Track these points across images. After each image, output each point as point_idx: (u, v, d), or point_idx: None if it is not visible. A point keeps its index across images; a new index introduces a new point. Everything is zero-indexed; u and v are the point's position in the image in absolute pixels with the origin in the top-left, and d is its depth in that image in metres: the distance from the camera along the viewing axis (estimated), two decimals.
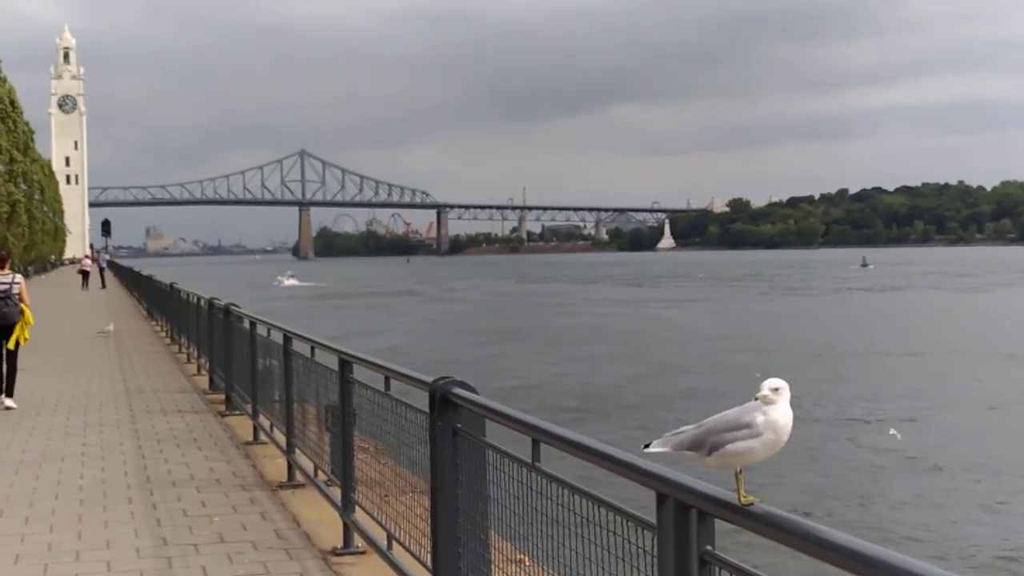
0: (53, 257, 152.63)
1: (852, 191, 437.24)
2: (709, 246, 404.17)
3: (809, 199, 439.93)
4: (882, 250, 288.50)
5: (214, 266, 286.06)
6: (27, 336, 17.63)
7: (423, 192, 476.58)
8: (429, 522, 6.39)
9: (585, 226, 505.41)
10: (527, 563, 5.29)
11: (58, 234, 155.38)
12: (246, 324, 14.63)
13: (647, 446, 3.64)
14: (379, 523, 7.86)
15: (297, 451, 11.15)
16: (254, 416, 13.88)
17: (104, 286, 72.40)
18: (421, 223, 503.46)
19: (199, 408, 17.23)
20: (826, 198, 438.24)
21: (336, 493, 9.09)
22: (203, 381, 20.07)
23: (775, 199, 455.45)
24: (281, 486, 11.22)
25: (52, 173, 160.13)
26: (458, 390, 6.05)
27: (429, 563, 6.44)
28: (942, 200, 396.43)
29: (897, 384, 36.55)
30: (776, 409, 3.38)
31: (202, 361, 21.37)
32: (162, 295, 33.86)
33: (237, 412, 15.91)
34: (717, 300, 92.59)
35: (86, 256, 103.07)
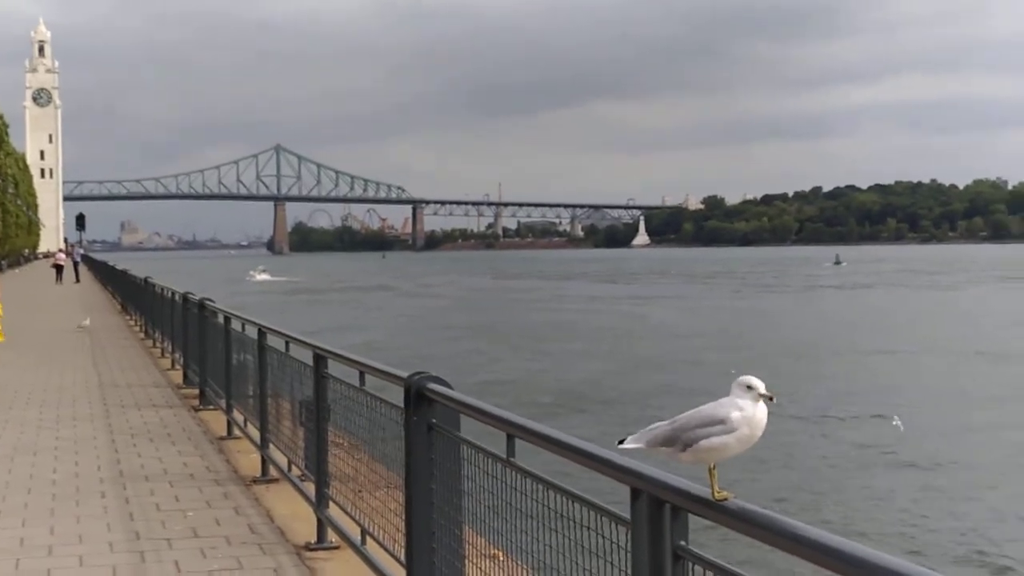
0: (27, 251, 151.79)
1: (826, 189, 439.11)
2: (683, 243, 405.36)
3: (783, 197, 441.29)
4: (855, 248, 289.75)
5: (189, 261, 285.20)
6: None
7: (399, 187, 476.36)
8: (403, 517, 6.39)
9: (561, 223, 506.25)
10: (501, 558, 5.29)
11: (32, 228, 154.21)
12: (220, 319, 14.59)
13: (621, 442, 3.66)
14: (353, 518, 7.86)
15: (271, 446, 11.13)
16: (228, 411, 13.85)
17: (78, 280, 72.02)
18: (397, 219, 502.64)
19: (173, 403, 17.17)
20: (800, 196, 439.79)
21: (310, 488, 9.08)
22: (177, 376, 20.00)
23: (749, 197, 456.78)
24: (255, 481, 11.19)
25: (26, 167, 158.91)
26: (433, 385, 6.05)
27: (403, 558, 6.44)
28: (915, 198, 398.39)
29: (868, 381, 36.75)
30: (751, 405, 3.40)
31: (176, 356, 21.28)
32: (136, 289, 33.71)
33: (211, 407, 15.86)
34: (690, 297, 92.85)
35: (60, 250, 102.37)
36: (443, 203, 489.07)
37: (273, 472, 11.08)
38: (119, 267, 50.30)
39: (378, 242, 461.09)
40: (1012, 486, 22.17)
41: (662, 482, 3.65)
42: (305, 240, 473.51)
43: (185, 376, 19.09)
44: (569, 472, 4.30)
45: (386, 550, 7.01)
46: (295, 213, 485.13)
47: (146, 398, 17.69)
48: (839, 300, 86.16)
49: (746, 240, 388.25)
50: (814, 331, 55.57)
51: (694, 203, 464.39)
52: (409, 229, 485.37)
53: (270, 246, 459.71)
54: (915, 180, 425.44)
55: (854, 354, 44.88)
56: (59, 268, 73.61)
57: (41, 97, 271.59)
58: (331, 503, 8.52)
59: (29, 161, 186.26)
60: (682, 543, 3.63)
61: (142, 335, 29.54)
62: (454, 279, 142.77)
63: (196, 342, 17.16)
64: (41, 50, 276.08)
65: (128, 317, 36.74)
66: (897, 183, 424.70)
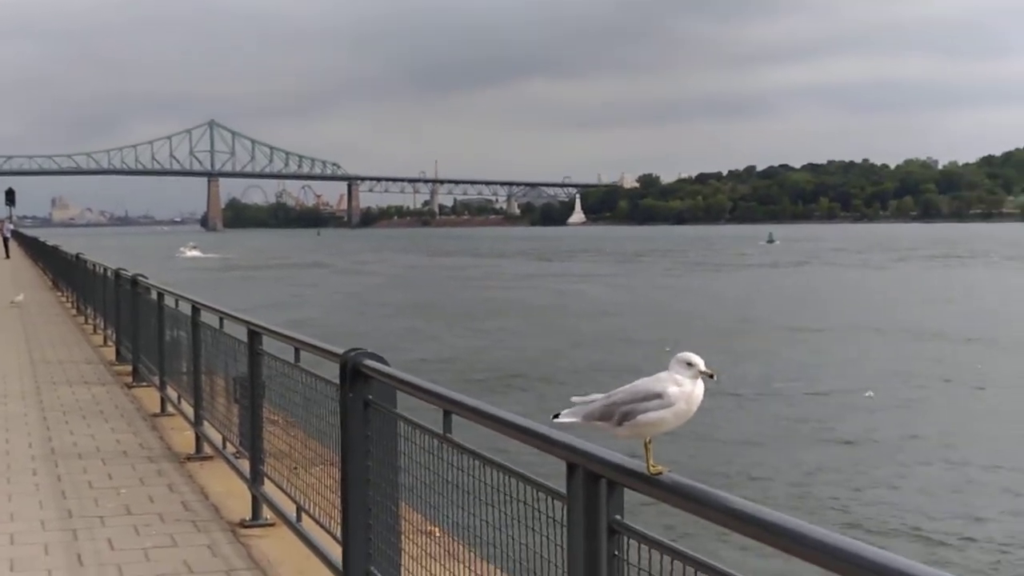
0: None
1: (760, 168, 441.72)
2: (619, 221, 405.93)
3: (717, 176, 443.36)
4: (788, 226, 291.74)
5: (121, 237, 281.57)
6: None
7: (334, 164, 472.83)
8: (339, 494, 6.40)
9: (497, 200, 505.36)
10: (437, 534, 5.32)
11: None
12: (154, 295, 14.49)
13: (557, 416, 3.68)
14: (288, 495, 7.85)
15: (205, 423, 11.08)
16: (162, 388, 13.76)
17: (8, 256, 70.99)
18: (332, 195, 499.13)
19: (105, 380, 17.02)
20: (734, 175, 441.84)
21: (245, 465, 9.06)
22: (110, 352, 19.82)
23: (684, 175, 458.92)
24: (189, 458, 11.14)
25: None
26: (369, 362, 6.05)
27: (339, 535, 6.46)
28: (847, 178, 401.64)
29: (798, 357, 37.17)
30: (689, 382, 3.44)
31: (109, 332, 21.09)
32: (68, 265, 33.33)
33: (144, 384, 15.75)
34: (625, 275, 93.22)
35: None
36: (379, 180, 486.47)
37: (207, 449, 11.04)
38: (50, 243, 49.65)
39: (313, 219, 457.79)
40: (930, 456, 22.57)
41: (598, 457, 3.69)
42: (239, 216, 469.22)
43: (118, 353, 18.93)
44: (506, 448, 4.32)
45: (322, 527, 7.02)
46: (229, 189, 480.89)
47: (78, 375, 17.52)
48: (771, 278, 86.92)
49: (680, 218, 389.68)
50: (745, 309, 56.02)
51: (629, 181, 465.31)
52: (344, 206, 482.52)
53: (204, 222, 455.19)
54: (848, 160, 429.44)
55: (784, 331, 45.34)
56: None
57: None
58: (266, 480, 8.51)
59: None
60: (617, 517, 3.67)
61: (74, 311, 29.21)
62: (389, 256, 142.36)
63: (129, 318, 17.03)
64: None
65: (59, 293, 36.29)
66: (830, 163, 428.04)
